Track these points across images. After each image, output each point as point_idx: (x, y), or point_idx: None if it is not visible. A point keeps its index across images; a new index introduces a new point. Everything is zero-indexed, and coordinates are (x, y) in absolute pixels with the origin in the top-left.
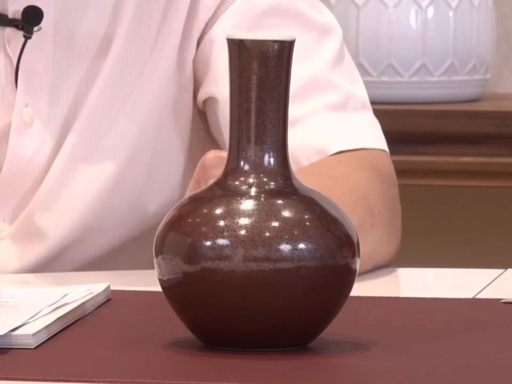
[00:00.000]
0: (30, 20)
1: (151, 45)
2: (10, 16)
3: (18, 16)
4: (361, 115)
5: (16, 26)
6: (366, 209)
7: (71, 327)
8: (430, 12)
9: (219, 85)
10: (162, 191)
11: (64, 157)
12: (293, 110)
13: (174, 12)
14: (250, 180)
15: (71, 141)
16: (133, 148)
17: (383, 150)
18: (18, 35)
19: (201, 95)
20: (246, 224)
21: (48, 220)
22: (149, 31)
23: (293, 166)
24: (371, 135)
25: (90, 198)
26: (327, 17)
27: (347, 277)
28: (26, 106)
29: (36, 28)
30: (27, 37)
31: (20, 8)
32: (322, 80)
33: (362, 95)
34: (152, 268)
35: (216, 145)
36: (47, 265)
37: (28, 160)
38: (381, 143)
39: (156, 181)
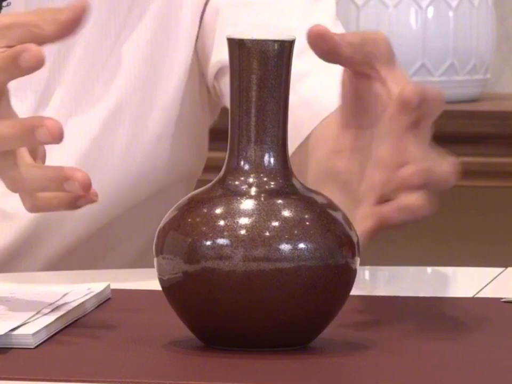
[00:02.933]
0: None
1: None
2: None
3: None
4: None
5: None
6: None
7: (71, 326)
8: (430, 12)
9: None
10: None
11: (51, 113)
12: (302, 63)
13: None
14: (250, 180)
15: (56, 101)
16: (121, 97)
17: None
18: None
19: (212, 67)
20: (246, 224)
21: None
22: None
23: (311, 117)
24: None
25: (81, 152)
26: None
27: (347, 276)
28: None
29: (5, 3)
30: None
31: None
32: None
33: None
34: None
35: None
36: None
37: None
38: None
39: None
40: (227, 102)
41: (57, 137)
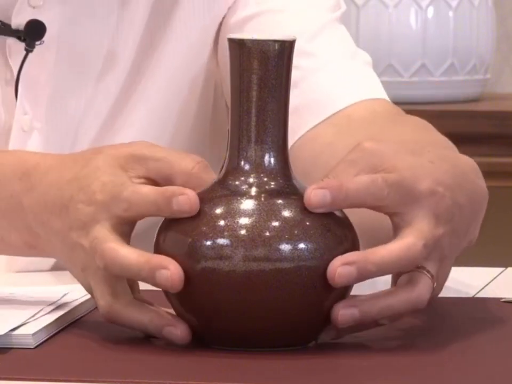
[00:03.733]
0: (32, 33)
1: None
2: (13, 27)
3: (22, 28)
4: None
5: (19, 38)
6: None
7: (71, 326)
8: (430, 12)
9: None
10: None
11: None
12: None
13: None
14: (251, 180)
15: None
16: None
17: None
18: (20, 47)
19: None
20: (246, 224)
21: None
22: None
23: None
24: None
25: None
26: None
27: None
28: (25, 115)
29: (38, 42)
30: (28, 50)
31: (23, 21)
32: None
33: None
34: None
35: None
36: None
37: None
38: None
39: None
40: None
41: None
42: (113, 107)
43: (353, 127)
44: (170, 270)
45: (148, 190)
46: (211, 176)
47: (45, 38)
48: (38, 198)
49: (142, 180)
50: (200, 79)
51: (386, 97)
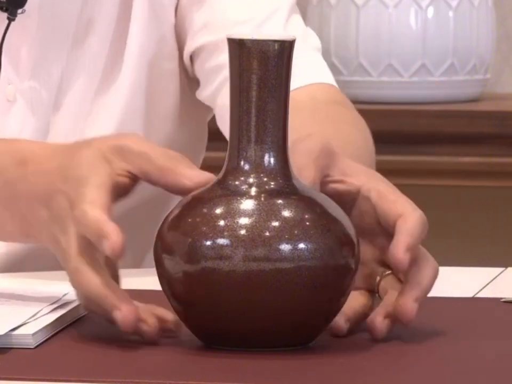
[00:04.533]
0: (13, 2)
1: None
2: None
3: None
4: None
5: (1, 8)
6: None
7: (71, 326)
8: (430, 12)
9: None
10: None
11: (51, 137)
12: None
13: None
14: (251, 180)
15: (57, 118)
16: (122, 122)
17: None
18: (2, 17)
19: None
20: (246, 224)
21: None
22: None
23: None
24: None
25: None
26: None
27: (347, 276)
28: (9, 84)
29: (19, 10)
30: (11, 19)
31: None
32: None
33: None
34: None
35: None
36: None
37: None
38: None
39: None
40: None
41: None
42: (95, 74)
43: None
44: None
45: (93, 218)
46: (193, 172)
47: (26, 7)
48: (29, 186)
49: (125, 173)
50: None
51: (334, 83)
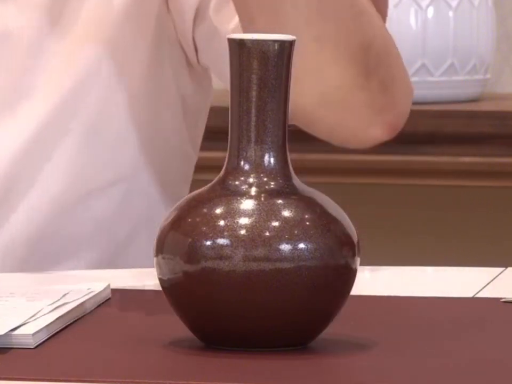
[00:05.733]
0: None
1: None
2: None
3: None
4: None
5: None
6: None
7: (71, 326)
8: (430, 12)
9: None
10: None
11: None
12: None
13: None
14: (251, 180)
15: None
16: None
17: None
18: None
19: (189, 20)
20: (246, 224)
21: None
22: None
23: None
24: None
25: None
26: None
27: (347, 276)
28: None
29: None
30: None
31: None
32: None
33: None
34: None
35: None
36: None
37: None
38: None
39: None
40: (210, 62)
41: None
42: None
43: None
44: None
45: None
46: None
47: None
48: None
49: None
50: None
51: None
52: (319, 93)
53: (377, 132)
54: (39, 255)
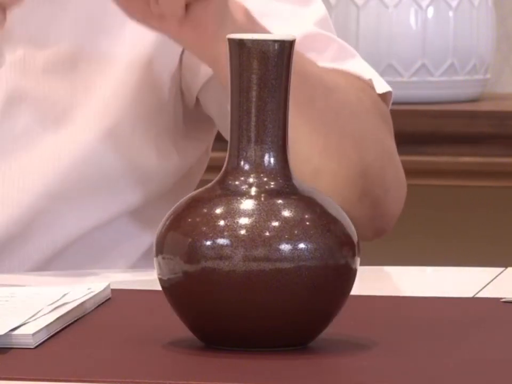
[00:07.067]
0: None
1: None
2: None
3: None
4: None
5: None
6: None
7: (71, 326)
8: (430, 12)
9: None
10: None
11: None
12: None
13: None
14: (251, 180)
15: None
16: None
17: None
18: None
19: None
20: (246, 224)
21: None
22: None
23: None
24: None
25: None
26: None
27: (347, 276)
28: None
29: None
30: None
31: None
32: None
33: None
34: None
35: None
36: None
37: None
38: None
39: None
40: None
41: None
42: None
43: None
44: None
45: None
46: None
47: None
48: None
49: None
50: None
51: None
52: None
53: (367, 234)
54: None
